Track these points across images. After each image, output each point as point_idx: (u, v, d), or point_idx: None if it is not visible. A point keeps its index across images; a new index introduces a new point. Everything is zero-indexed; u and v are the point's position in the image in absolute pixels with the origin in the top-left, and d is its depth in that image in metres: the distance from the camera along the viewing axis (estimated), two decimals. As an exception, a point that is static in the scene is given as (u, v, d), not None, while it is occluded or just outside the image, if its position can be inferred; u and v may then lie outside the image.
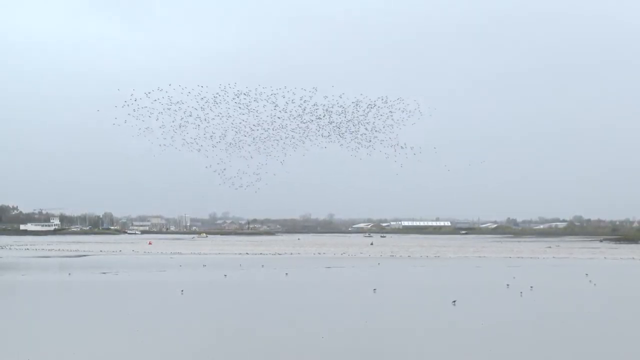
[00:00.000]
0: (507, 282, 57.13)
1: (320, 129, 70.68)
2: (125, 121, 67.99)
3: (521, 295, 47.70)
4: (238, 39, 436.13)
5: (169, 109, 68.15)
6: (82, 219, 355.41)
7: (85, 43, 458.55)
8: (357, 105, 70.25)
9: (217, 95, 68.74)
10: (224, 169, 71.06)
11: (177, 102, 68.40)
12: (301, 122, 70.14)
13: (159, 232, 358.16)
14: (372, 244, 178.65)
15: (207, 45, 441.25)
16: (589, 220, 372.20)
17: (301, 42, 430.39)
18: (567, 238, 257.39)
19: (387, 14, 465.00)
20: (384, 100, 70.76)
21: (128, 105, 67.55)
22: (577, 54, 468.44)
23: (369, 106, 70.50)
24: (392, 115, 70.82)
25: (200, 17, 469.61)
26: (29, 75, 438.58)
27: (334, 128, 70.77)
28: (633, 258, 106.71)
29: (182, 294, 48.02)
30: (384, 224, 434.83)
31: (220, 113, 69.25)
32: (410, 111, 71.33)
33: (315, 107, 69.78)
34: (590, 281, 60.07)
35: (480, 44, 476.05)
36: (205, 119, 69.20)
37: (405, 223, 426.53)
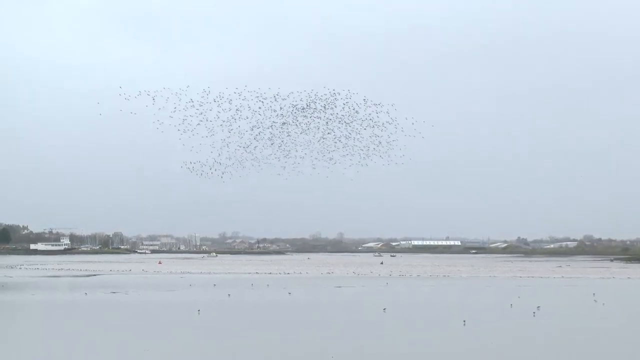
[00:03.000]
0: (516, 302, 56.89)
1: (332, 148, 70.98)
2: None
3: (534, 315, 47.45)
4: (256, 60, 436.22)
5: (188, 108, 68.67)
6: (92, 239, 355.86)
7: (100, 61, 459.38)
8: (367, 122, 70.51)
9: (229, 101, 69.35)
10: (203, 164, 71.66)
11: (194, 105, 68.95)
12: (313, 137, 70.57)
13: (169, 251, 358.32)
14: (382, 263, 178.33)
15: (224, 66, 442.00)
16: (599, 240, 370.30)
17: (321, 61, 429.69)
18: (578, 257, 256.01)
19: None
20: (390, 121, 70.91)
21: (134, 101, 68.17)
22: (592, 74, 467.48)
23: (378, 123, 70.75)
24: (400, 134, 71.12)
25: (218, 37, 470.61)
26: (40, 94, 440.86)
27: (342, 145, 71.07)
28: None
29: (199, 313, 48.01)
30: (393, 244, 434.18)
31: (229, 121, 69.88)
32: (417, 128, 71.82)
33: (330, 122, 70.12)
34: (595, 301, 59.75)
35: (494, 63, 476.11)
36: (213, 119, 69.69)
37: (415, 242, 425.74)
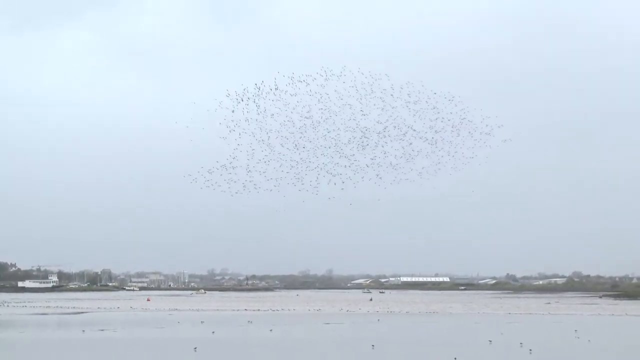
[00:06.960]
0: (506, 339, 57.04)
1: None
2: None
3: (530, 353, 47.50)
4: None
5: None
6: (81, 276, 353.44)
7: (99, 100, 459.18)
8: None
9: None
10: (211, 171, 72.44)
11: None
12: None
13: (158, 288, 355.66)
14: (371, 299, 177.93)
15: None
16: (588, 276, 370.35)
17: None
18: (567, 294, 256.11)
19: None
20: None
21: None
22: (581, 110, 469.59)
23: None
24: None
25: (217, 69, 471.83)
26: (37, 130, 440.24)
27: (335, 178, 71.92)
28: (628, 314, 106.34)
29: (195, 351, 47.99)
30: (382, 280, 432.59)
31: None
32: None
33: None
34: (578, 337, 59.99)
35: (492, 97, 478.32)
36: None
37: (404, 279, 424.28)
